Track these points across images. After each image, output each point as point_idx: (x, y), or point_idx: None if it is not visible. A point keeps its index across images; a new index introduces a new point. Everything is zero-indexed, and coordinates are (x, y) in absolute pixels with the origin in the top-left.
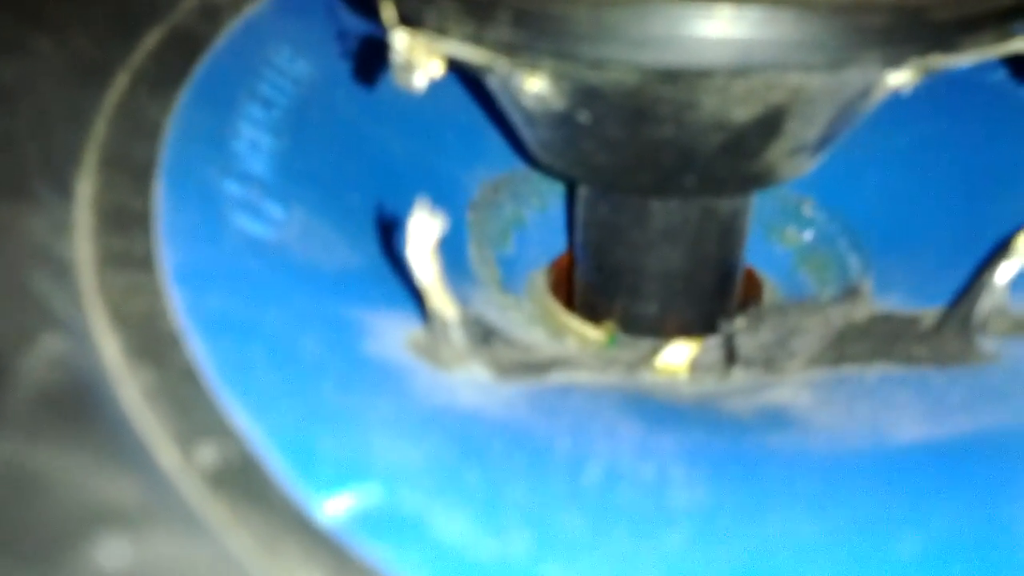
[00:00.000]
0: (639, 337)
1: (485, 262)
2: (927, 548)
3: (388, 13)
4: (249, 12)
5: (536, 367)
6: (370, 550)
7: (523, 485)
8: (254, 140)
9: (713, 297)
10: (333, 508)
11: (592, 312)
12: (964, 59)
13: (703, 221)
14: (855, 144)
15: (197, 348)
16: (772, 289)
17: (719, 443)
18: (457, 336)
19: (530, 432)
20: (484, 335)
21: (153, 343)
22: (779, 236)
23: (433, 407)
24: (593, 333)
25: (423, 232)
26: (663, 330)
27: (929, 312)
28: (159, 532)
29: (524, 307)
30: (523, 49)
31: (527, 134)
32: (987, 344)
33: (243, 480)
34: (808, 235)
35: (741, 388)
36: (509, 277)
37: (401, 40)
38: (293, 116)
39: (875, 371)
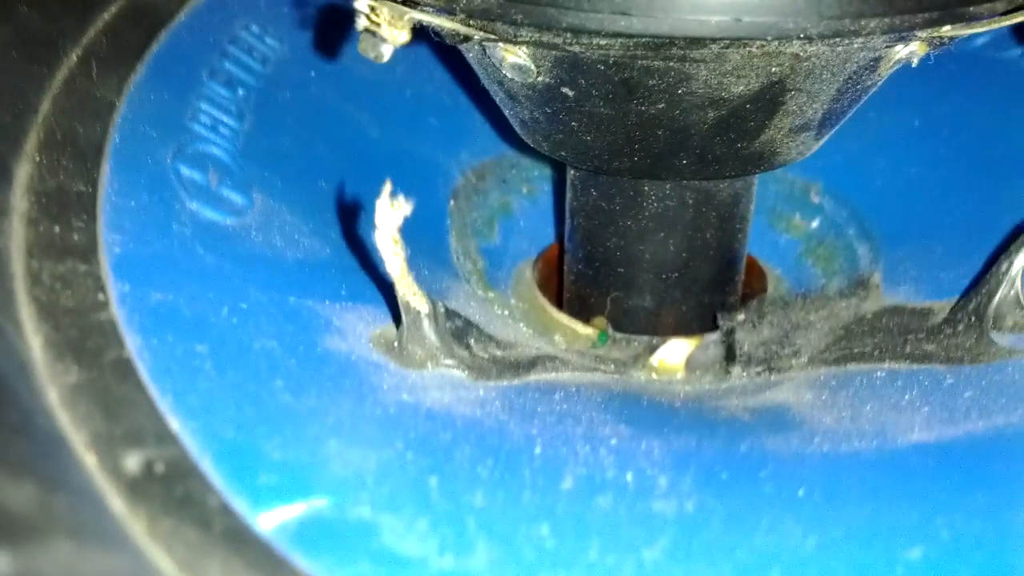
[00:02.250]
0: (632, 334)
1: (467, 254)
2: (930, 562)
3: None
4: None
5: (516, 365)
6: (312, 564)
7: (489, 494)
8: (215, 121)
9: (712, 290)
10: (272, 519)
11: (582, 307)
12: (976, 29)
13: (700, 207)
14: (863, 125)
15: (133, 344)
16: (777, 280)
17: (711, 447)
18: (428, 331)
19: (503, 436)
20: (460, 330)
21: (84, 337)
22: (784, 224)
23: (396, 409)
24: (583, 329)
25: (388, 216)
26: (658, 326)
27: (940, 305)
28: (58, 544)
29: (509, 302)
30: (498, 18)
31: (510, 112)
32: (1001, 339)
33: (171, 488)
34: (815, 223)
35: (740, 387)
36: (494, 270)
37: (364, 4)
38: (259, 96)
39: (882, 369)
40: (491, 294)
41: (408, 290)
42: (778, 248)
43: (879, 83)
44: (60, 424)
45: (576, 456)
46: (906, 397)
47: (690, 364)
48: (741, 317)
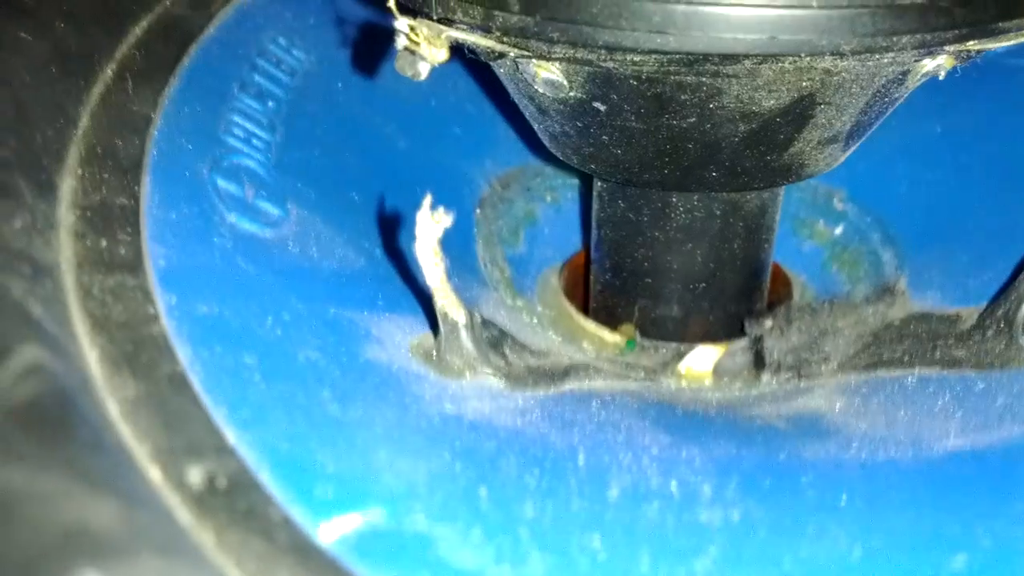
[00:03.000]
0: (660, 341)
1: (494, 262)
2: (974, 570)
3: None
4: None
5: (551, 374)
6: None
7: (538, 504)
8: (248, 134)
9: (739, 298)
10: (332, 531)
11: (609, 315)
12: (1004, 43)
13: (728, 218)
14: (886, 132)
15: (185, 356)
16: (802, 287)
17: (750, 455)
18: (466, 341)
19: (545, 445)
20: (495, 339)
21: (137, 351)
22: (809, 231)
23: (440, 418)
24: (611, 337)
25: (429, 228)
26: (686, 334)
27: (969, 311)
28: (142, 560)
29: (536, 309)
30: (534, 36)
31: (540, 126)
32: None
33: (234, 501)
34: (839, 230)
35: (771, 395)
36: (520, 277)
37: (404, 24)
38: (290, 108)
39: (913, 375)
40: (519, 302)
41: (447, 300)
42: (802, 255)
43: (906, 95)
44: (124, 438)
45: (619, 465)
46: (939, 403)
47: (718, 371)
48: (769, 324)
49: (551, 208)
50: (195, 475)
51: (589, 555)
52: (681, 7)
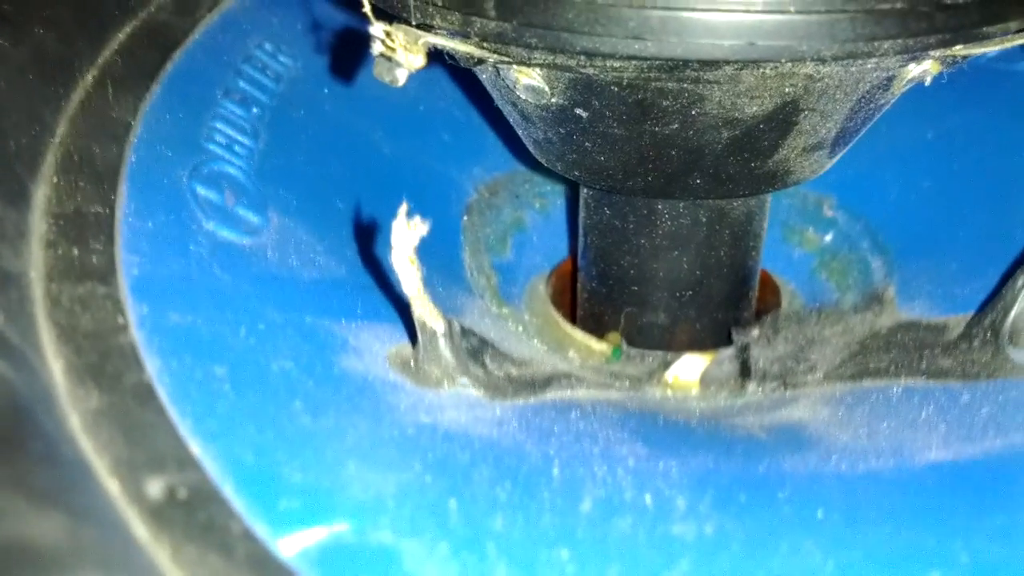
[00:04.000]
0: (647, 350)
1: (481, 270)
2: None
3: (368, 5)
4: (227, 4)
5: (533, 383)
6: None
7: (508, 517)
8: (230, 140)
9: (726, 306)
10: (293, 544)
11: (596, 323)
12: (988, 48)
13: (714, 225)
14: (876, 138)
15: (152, 367)
16: (791, 295)
17: (728, 467)
18: (444, 350)
19: (521, 457)
20: (475, 348)
21: (103, 362)
22: (798, 238)
23: (414, 430)
24: (597, 345)
25: (405, 237)
26: (672, 342)
27: (956, 320)
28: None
29: (523, 317)
30: (512, 41)
31: (524, 132)
32: (1018, 356)
33: (195, 514)
34: (829, 237)
35: (756, 404)
36: (507, 285)
37: (380, 30)
38: (274, 114)
39: (899, 385)
40: (505, 310)
41: (424, 309)
42: (792, 262)
43: (892, 101)
44: (83, 450)
45: (594, 477)
46: (923, 414)
47: (705, 380)
48: (756, 333)
49: (539, 215)
50: (154, 488)
51: (557, 570)
52: (657, 12)
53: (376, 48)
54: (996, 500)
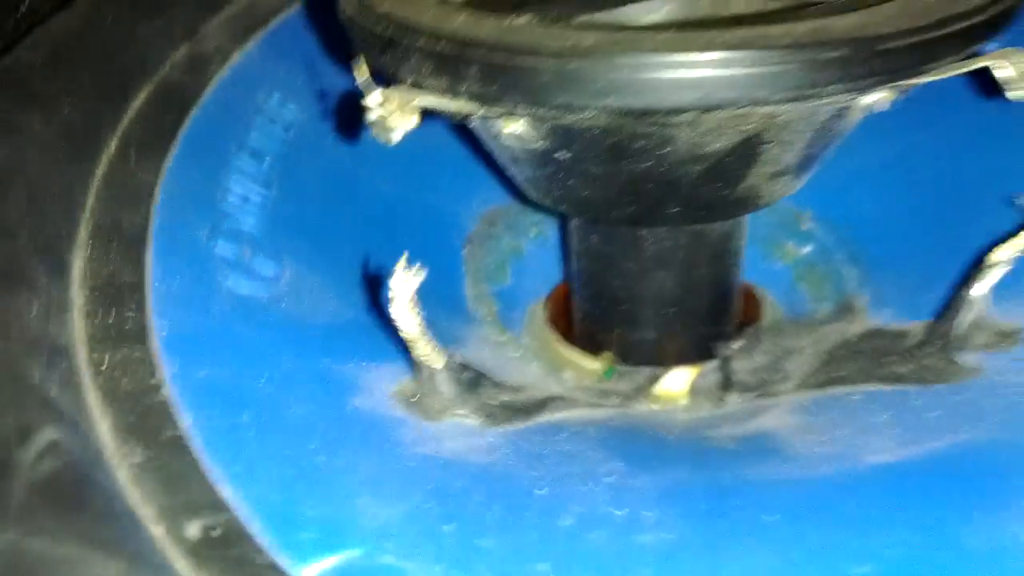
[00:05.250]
0: (638, 366)
1: (482, 298)
2: None
3: (362, 71)
4: (237, 59)
5: (526, 409)
6: None
7: (497, 537)
8: (244, 194)
9: (710, 320)
10: (312, 572)
11: (591, 342)
12: (933, 78)
13: (693, 246)
14: (850, 153)
15: (186, 420)
16: (772, 306)
17: (698, 478)
18: (444, 384)
19: (510, 480)
20: (472, 380)
21: (144, 419)
22: (779, 251)
23: (415, 461)
24: (591, 365)
25: (404, 286)
26: (662, 357)
27: (918, 326)
28: None
29: (522, 342)
30: (497, 100)
31: (512, 172)
32: (968, 359)
33: (228, 551)
34: (807, 249)
35: (733, 415)
36: (508, 311)
37: (375, 98)
38: (283, 164)
39: (860, 392)
40: (505, 336)
41: (423, 350)
42: (774, 275)
43: (853, 126)
44: (132, 501)
45: (574, 496)
46: (879, 419)
47: (694, 392)
48: (735, 345)
49: (536, 242)
50: (193, 529)
51: None
52: (622, 74)
53: (371, 116)
54: (930, 497)
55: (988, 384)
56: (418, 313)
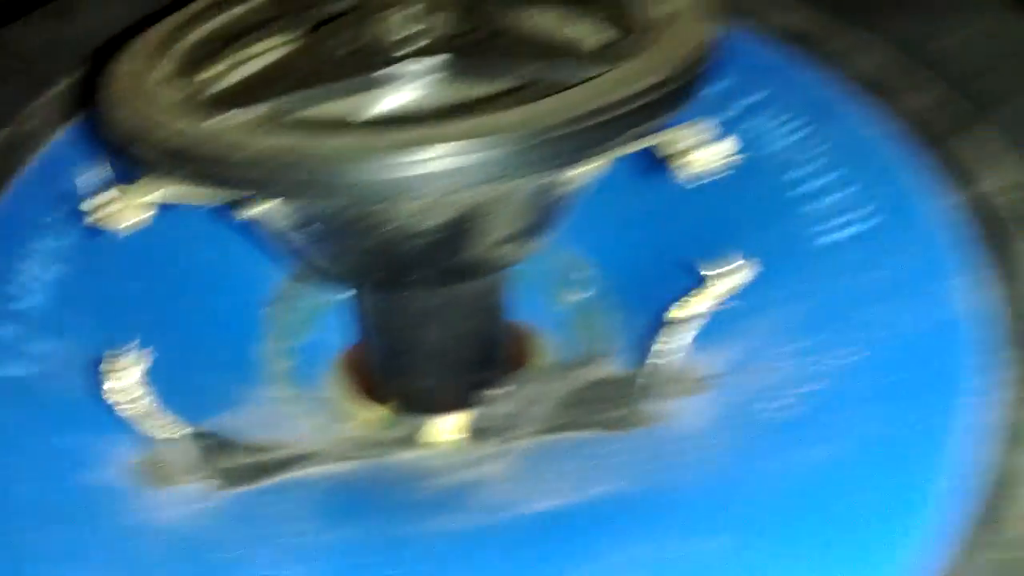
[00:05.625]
0: (417, 414)
1: (279, 355)
2: None
3: (89, 176)
4: (52, 140)
5: (269, 468)
6: None
7: None
8: (36, 274)
9: (478, 368)
10: None
11: (382, 393)
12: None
13: (450, 305)
14: (619, 203)
15: None
16: (541, 351)
17: (379, 533)
18: (180, 454)
19: (207, 544)
20: (213, 446)
21: None
22: (561, 296)
23: (124, 531)
24: (373, 414)
25: (124, 372)
26: (438, 405)
27: (643, 371)
28: None
29: (316, 395)
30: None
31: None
32: (654, 406)
33: None
34: (585, 295)
35: (462, 462)
36: (307, 366)
37: (106, 196)
38: (87, 240)
39: (571, 439)
40: (294, 392)
41: (153, 427)
42: (554, 316)
43: (579, 190)
44: None
45: (250, 558)
46: (568, 466)
47: (457, 438)
48: (492, 393)
49: (341, 297)
50: None
51: None
52: (303, 176)
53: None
54: (566, 543)
55: (660, 432)
56: (144, 394)
